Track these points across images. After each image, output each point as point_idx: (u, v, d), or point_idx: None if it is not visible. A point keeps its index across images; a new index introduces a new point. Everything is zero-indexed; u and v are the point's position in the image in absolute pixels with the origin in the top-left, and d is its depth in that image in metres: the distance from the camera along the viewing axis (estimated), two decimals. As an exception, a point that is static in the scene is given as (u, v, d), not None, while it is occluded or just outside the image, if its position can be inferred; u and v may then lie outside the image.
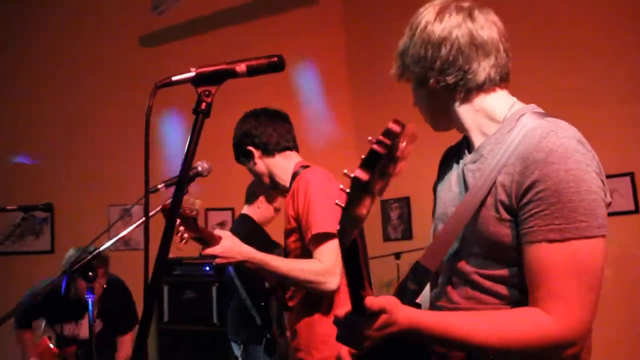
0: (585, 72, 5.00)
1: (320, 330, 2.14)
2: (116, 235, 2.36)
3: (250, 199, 3.89)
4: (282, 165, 2.36)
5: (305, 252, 2.15)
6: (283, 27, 7.18)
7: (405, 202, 7.20)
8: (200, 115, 1.21)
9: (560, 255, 1.15)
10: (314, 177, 2.20)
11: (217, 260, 2.07)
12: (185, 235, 2.06)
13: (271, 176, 2.38)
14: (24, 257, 5.52)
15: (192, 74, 1.23)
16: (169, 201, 2.04)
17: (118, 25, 6.34)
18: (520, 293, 1.24)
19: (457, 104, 1.38)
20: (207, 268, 5.39)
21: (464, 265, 1.34)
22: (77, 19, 6.25)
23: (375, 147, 1.01)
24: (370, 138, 1.03)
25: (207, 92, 1.22)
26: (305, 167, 2.32)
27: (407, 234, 7.07)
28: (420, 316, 1.21)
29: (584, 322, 1.14)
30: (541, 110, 1.34)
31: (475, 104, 1.36)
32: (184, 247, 2.09)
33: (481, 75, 1.32)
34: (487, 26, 1.32)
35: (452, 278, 1.38)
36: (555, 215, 1.15)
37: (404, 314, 1.19)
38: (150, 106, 1.18)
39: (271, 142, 2.35)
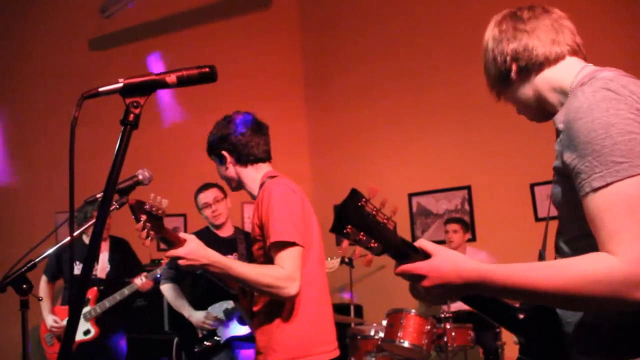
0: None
1: (280, 335, 2.20)
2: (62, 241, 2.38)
3: None
4: (252, 175, 2.42)
5: (268, 259, 2.19)
6: (236, 31, 7.16)
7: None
8: (128, 126, 1.18)
9: (608, 199, 1.17)
10: (277, 188, 2.25)
11: (181, 262, 2.07)
12: (152, 232, 2.05)
13: (239, 182, 2.44)
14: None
15: (120, 85, 1.20)
16: (125, 198, 2.05)
17: (66, 27, 6.22)
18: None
19: (538, 85, 1.50)
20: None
21: (557, 235, 1.45)
22: (24, 21, 6.10)
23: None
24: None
25: (135, 103, 1.20)
26: (273, 177, 2.37)
27: (360, 239, 7.09)
28: (485, 268, 1.25)
29: None
30: (607, 72, 1.37)
31: (553, 78, 1.47)
32: (149, 244, 2.10)
33: (540, 49, 1.46)
34: (533, 17, 1.50)
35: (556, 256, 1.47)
36: (594, 165, 1.19)
37: (466, 266, 1.25)
38: (75, 117, 1.15)
39: (245, 152, 2.40)
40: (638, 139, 1.18)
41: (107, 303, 4.14)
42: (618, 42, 5.17)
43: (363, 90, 7.32)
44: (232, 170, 2.42)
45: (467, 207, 6.37)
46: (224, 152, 2.41)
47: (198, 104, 6.32)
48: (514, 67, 1.50)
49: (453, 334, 4.35)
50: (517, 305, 1.46)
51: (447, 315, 4.38)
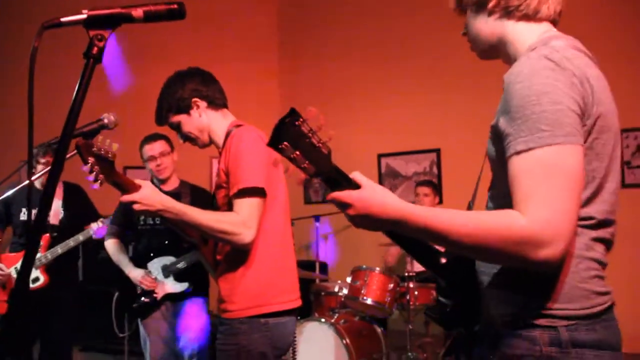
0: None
1: (242, 284, 2.22)
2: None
3: None
4: (221, 122, 2.40)
5: (232, 207, 2.20)
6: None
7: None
8: (91, 60, 1.14)
9: (527, 163, 1.22)
10: (247, 135, 2.24)
11: (136, 207, 2.07)
12: (100, 176, 2.02)
13: (209, 132, 2.40)
14: None
15: (83, 16, 1.15)
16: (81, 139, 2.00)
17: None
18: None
19: (508, 29, 1.47)
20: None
21: (488, 190, 1.50)
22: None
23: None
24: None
25: (99, 36, 1.16)
26: (239, 125, 2.36)
27: (328, 198, 7.13)
28: (407, 208, 1.29)
29: (556, 219, 1.18)
30: (558, 42, 1.36)
31: (522, 32, 1.45)
32: (99, 188, 2.08)
33: (535, 2, 1.43)
34: None
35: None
36: (521, 129, 1.24)
37: (391, 202, 1.29)
38: (35, 47, 1.10)
39: (216, 96, 2.41)
40: (565, 110, 1.22)
41: (59, 249, 3.94)
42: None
43: (337, 50, 7.26)
44: (204, 117, 2.38)
45: (435, 170, 6.43)
46: (196, 99, 2.37)
47: (167, 57, 6.18)
48: (499, 1, 1.45)
49: (416, 292, 4.43)
50: (442, 250, 1.51)
51: (411, 274, 4.44)
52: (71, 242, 3.93)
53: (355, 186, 1.32)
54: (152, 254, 3.65)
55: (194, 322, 3.64)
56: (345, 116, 6.86)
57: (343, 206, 1.32)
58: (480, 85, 6.11)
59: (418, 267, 4.78)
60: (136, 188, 2.07)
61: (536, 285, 1.31)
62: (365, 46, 6.98)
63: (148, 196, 2.07)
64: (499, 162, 1.34)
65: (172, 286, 3.58)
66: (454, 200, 6.19)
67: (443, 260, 1.54)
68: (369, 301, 4.26)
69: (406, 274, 4.47)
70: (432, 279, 4.81)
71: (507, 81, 1.30)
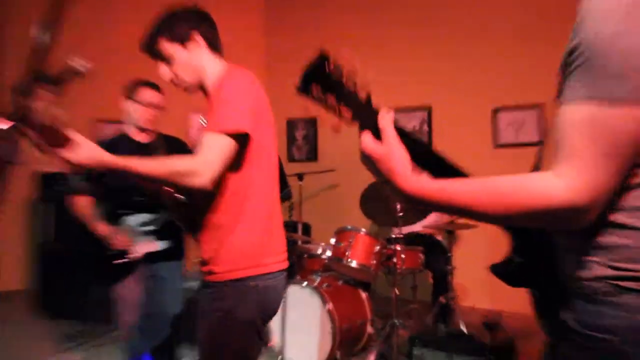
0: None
1: (228, 244, 2.02)
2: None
3: None
4: (216, 66, 2.15)
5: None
6: None
7: (311, 123, 7.02)
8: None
9: (579, 115, 1.06)
10: (236, 74, 2.05)
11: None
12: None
13: (203, 74, 2.15)
14: None
15: None
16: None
17: None
18: None
19: None
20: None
21: None
22: None
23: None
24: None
25: None
26: None
27: (312, 155, 6.94)
28: (422, 184, 1.19)
29: (594, 186, 1.04)
30: None
31: None
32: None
33: None
34: None
35: None
36: (582, 74, 1.06)
37: (411, 180, 1.19)
38: None
39: (216, 38, 2.20)
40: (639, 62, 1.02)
41: None
42: None
43: (326, 5, 7.01)
44: (202, 57, 2.13)
45: (426, 128, 6.23)
46: (197, 37, 2.11)
47: (146, 7, 5.86)
48: None
49: (403, 256, 4.21)
50: None
51: (398, 236, 4.21)
52: None
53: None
54: (127, 210, 3.30)
55: (169, 285, 3.38)
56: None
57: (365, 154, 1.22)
58: (473, 44, 5.92)
59: (406, 229, 4.57)
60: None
61: (623, 242, 1.11)
62: (355, 1, 6.73)
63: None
64: None
65: (152, 245, 3.27)
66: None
67: None
68: (353, 264, 4.05)
69: (393, 236, 4.24)
70: (420, 242, 4.62)
71: (577, 21, 1.09)
